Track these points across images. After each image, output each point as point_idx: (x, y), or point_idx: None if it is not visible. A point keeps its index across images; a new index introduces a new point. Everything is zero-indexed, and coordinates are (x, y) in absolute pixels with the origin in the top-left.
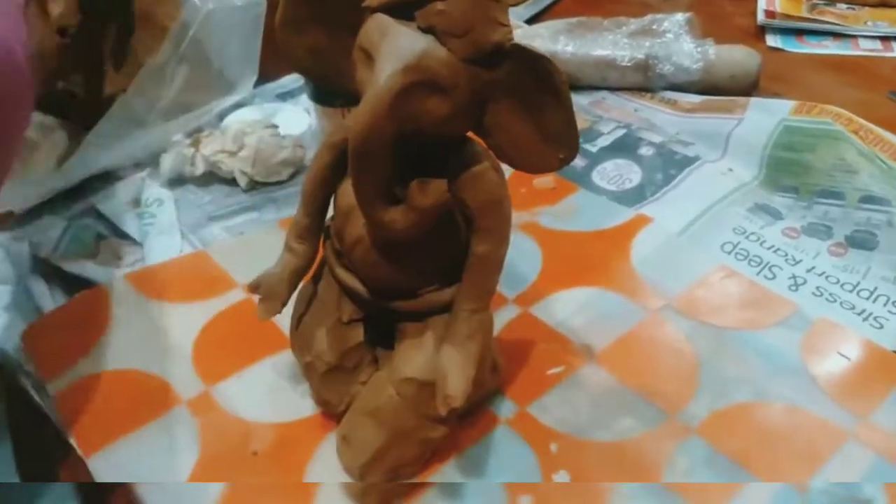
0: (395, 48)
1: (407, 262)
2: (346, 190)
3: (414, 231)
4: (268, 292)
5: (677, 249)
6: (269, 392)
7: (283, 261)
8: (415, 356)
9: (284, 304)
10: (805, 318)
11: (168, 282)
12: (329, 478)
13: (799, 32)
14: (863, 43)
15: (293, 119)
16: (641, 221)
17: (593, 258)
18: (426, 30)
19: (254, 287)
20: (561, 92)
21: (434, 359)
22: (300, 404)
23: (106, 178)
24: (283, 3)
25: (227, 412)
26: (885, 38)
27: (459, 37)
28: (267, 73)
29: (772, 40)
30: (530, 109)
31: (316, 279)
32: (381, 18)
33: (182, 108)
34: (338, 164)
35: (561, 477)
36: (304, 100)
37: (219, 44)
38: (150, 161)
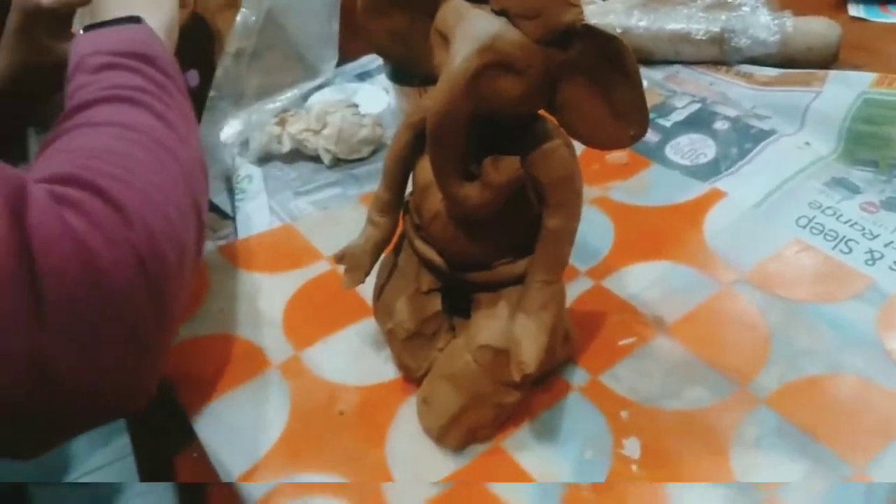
0: (470, 30)
1: (482, 235)
2: (424, 167)
3: (488, 206)
4: (352, 263)
5: (751, 224)
6: (354, 357)
7: (366, 233)
8: (490, 325)
9: (367, 273)
10: (881, 292)
11: (258, 254)
12: (409, 438)
13: (883, 1)
14: None
15: (372, 98)
16: (715, 196)
17: (665, 232)
18: (500, 13)
19: (338, 258)
20: (631, 71)
21: (508, 327)
22: (382, 369)
23: None
24: None
25: (316, 375)
26: None
27: (532, 19)
28: (347, 54)
29: (854, 10)
30: (601, 88)
31: (396, 251)
32: (457, 2)
33: (268, 91)
34: (416, 142)
35: (631, 443)
36: (383, 79)
37: (299, 28)
38: (240, 139)
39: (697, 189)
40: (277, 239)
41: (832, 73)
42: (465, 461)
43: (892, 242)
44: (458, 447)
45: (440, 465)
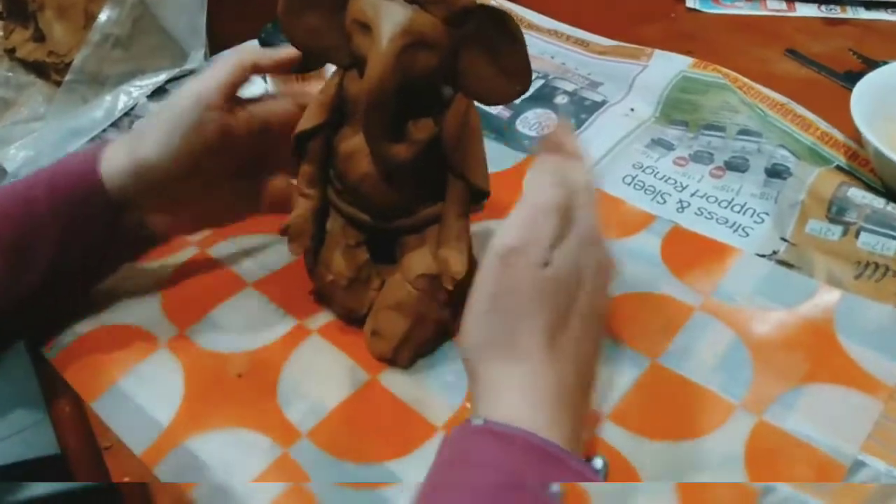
0: (391, 17)
1: (406, 187)
2: (344, 140)
3: (413, 160)
4: (295, 232)
5: None
6: (236, 328)
7: (301, 205)
8: (422, 258)
9: (312, 238)
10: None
11: None
12: (300, 382)
13: None
14: (770, 3)
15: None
16: None
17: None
18: (411, 1)
19: (283, 231)
20: (517, 37)
21: (436, 257)
22: (265, 333)
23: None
24: None
25: (204, 349)
26: None
27: (438, 3)
28: (225, 41)
29: (691, 2)
30: (493, 53)
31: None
32: None
33: (135, 76)
34: (330, 120)
35: None
36: None
37: (168, 18)
38: (127, 125)
39: (520, 156)
40: None
41: (657, 51)
42: (345, 393)
43: (697, 191)
44: (409, 364)
45: (327, 397)
